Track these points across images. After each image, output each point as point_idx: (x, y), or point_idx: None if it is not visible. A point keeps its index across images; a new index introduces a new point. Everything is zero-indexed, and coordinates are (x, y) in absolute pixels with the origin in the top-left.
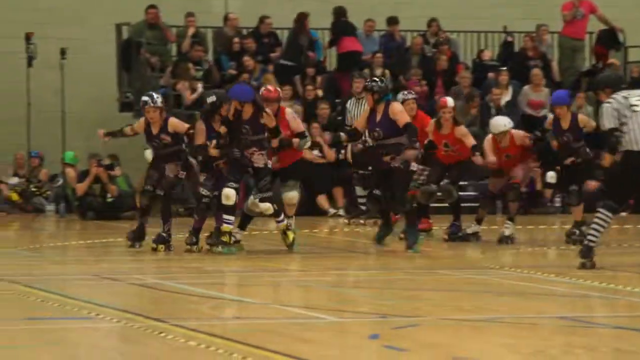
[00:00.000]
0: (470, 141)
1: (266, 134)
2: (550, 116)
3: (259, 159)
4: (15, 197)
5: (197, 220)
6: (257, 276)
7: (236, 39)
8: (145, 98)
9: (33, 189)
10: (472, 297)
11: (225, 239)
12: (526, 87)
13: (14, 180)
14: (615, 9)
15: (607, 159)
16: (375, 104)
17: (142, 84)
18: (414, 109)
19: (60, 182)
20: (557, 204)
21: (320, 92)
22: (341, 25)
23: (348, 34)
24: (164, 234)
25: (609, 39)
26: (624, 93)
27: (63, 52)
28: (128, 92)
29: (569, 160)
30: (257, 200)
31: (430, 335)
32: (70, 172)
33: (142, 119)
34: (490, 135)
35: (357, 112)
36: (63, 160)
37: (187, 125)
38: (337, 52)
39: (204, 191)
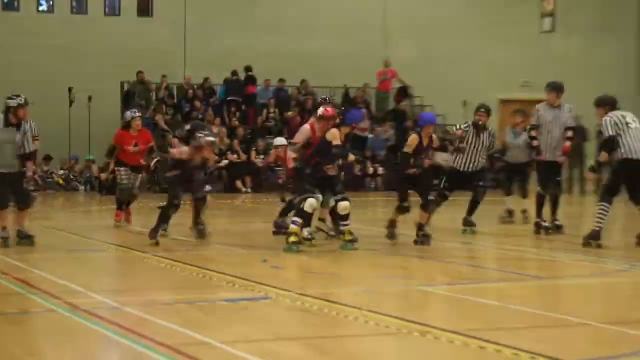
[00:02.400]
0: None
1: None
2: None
3: (333, 170)
4: (61, 181)
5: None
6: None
7: (190, 90)
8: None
9: (71, 177)
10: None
11: (293, 238)
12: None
13: (61, 172)
14: (408, 75)
15: (602, 156)
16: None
17: None
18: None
19: (88, 174)
20: (372, 186)
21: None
22: (249, 77)
23: (252, 83)
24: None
25: (403, 92)
26: (620, 112)
27: (90, 99)
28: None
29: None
30: (337, 200)
31: (297, 259)
32: (94, 166)
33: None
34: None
35: None
36: (87, 159)
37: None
38: (245, 93)
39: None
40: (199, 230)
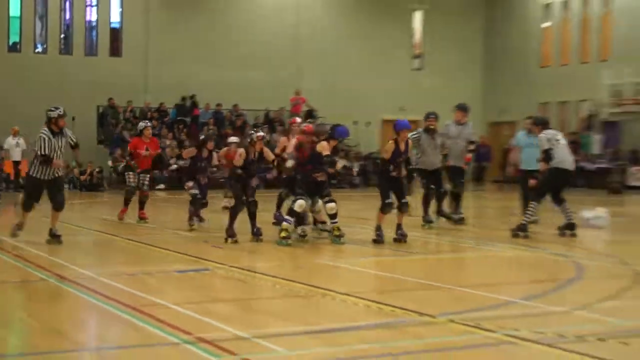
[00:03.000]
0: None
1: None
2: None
3: (323, 176)
4: None
5: (194, 210)
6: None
7: (150, 112)
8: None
9: None
10: None
11: (283, 234)
12: (274, 134)
13: None
14: (314, 101)
15: (542, 166)
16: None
17: (107, 133)
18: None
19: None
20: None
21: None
22: (193, 103)
23: (196, 107)
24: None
25: (310, 114)
26: (553, 131)
27: (73, 119)
28: (102, 136)
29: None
30: (325, 202)
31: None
32: (76, 170)
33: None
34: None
35: None
36: (71, 165)
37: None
38: (191, 114)
39: (194, 191)
40: (256, 232)
